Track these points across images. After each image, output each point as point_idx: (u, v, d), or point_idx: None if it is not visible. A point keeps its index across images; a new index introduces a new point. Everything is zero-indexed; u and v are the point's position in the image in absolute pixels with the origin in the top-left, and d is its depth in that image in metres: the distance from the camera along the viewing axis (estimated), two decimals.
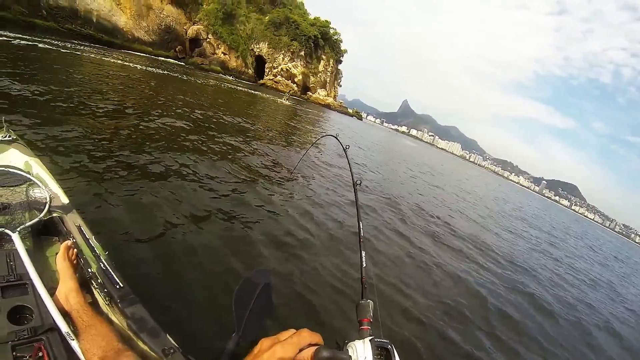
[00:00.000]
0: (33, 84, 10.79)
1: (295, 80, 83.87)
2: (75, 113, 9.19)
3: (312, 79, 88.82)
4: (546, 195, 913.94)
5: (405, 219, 11.10)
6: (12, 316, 1.72)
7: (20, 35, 25.04)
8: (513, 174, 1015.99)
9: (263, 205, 7.68)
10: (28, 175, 2.90)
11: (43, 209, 2.60)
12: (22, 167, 3.05)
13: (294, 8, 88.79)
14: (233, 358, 1.11)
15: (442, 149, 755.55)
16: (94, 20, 44.50)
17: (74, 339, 1.67)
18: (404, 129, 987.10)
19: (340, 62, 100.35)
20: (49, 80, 12.00)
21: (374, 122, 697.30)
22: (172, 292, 3.98)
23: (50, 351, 1.61)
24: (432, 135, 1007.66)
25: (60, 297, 1.96)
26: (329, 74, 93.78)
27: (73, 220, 2.67)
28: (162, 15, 57.42)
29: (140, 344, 1.86)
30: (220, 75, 63.78)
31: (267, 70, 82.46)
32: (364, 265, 1.43)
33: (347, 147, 2.79)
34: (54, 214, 2.66)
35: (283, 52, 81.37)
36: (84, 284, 2.23)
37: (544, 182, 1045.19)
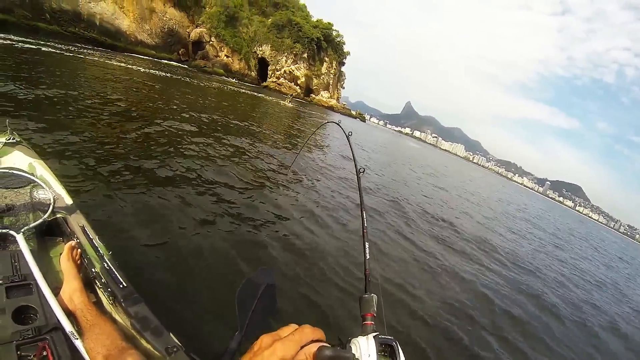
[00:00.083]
0: (38, 87, 10.85)
1: (299, 82, 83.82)
2: (80, 116, 9.23)
3: (315, 81, 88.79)
4: (550, 196, 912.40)
5: (410, 221, 11.10)
6: (17, 316, 1.73)
7: (23, 39, 25.10)
8: (517, 175, 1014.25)
9: (266, 205, 7.72)
10: (32, 177, 2.91)
11: (47, 210, 2.62)
12: (26, 168, 3.07)
13: (297, 10, 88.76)
14: (235, 357, 1.08)
15: (445, 150, 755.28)
16: (97, 24, 44.57)
17: (78, 338, 1.67)
18: (407, 130, 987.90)
19: (343, 64, 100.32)
20: (53, 84, 12.07)
21: (377, 123, 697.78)
22: (175, 291, 3.99)
23: (54, 350, 1.62)
24: (436, 137, 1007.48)
25: (64, 297, 1.98)
26: (332, 76, 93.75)
27: (77, 221, 2.69)
28: (165, 18, 57.47)
29: (144, 342, 1.87)
30: (223, 77, 63.73)
31: (270, 72, 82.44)
32: (367, 257, 1.39)
33: (350, 133, 2.77)
34: (58, 215, 2.68)
35: (286, 54, 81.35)
36: (88, 284, 2.25)
37: (548, 183, 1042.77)
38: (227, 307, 3.67)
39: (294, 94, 62.39)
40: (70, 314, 1.86)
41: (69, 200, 2.90)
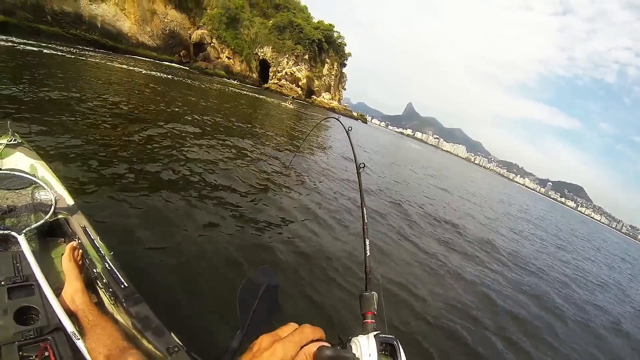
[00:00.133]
0: (40, 89, 10.89)
1: (300, 84, 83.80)
2: (82, 119, 9.25)
3: (316, 82, 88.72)
4: (552, 196, 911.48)
5: (412, 222, 11.11)
6: (19, 317, 1.73)
7: (25, 41, 25.23)
8: (518, 175, 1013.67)
9: (268, 206, 7.73)
10: (33, 178, 2.92)
11: (49, 211, 2.62)
12: (27, 170, 3.08)
13: (298, 12, 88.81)
14: (236, 356, 1.07)
15: (447, 151, 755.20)
16: (99, 26, 44.71)
17: (79, 339, 1.67)
18: (408, 131, 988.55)
19: (345, 65, 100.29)
20: (55, 86, 12.09)
21: (379, 125, 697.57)
22: (177, 291, 4.00)
23: (56, 351, 1.62)
24: (437, 138, 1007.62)
25: (66, 298, 1.98)
26: (333, 78, 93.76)
27: (78, 222, 2.70)
28: (166, 20, 57.60)
29: (145, 342, 1.87)
30: (225, 79, 63.78)
31: (271, 74, 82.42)
32: (368, 254, 1.37)
33: (350, 128, 2.78)
34: (60, 216, 2.69)
35: (287, 56, 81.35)
36: (90, 284, 2.25)
37: (549, 183, 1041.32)
38: (228, 306, 3.66)
39: (295, 98, 62.31)
40: (71, 315, 1.86)
41: (70, 201, 2.91)
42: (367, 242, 1.42)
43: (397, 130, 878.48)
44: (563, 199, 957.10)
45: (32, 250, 2.08)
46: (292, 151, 15.31)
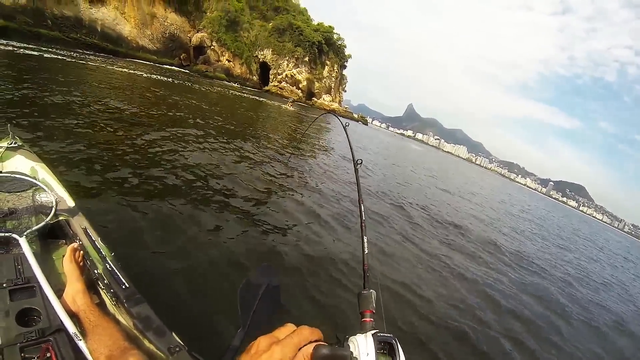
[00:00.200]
0: (41, 93, 10.94)
1: (300, 86, 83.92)
2: (83, 122, 9.25)
3: (316, 84, 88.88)
4: (553, 196, 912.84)
5: (413, 222, 11.12)
6: (21, 318, 1.75)
7: (25, 45, 25.33)
8: (520, 175, 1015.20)
9: (270, 207, 7.76)
10: (34, 180, 2.96)
11: (49, 213, 2.66)
12: (28, 172, 3.12)
13: (297, 14, 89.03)
14: (237, 355, 1.09)
15: (448, 152, 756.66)
16: (99, 30, 44.82)
17: (81, 339, 1.69)
18: (409, 133, 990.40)
19: (345, 67, 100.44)
20: (56, 90, 12.12)
21: (380, 126, 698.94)
22: (179, 291, 4.01)
23: (57, 352, 1.64)
24: (438, 139, 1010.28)
25: (67, 299, 2.02)
26: (333, 80, 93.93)
27: (79, 223, 2.73)
28: (166, 24, 57.76)
29: (147, 342, 1.89)
30: (225, 82, 63.90)
31: (271, 76, 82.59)
32: (366, 251, 1.35)
33: (347, 124, 2.78)
34: (61, 218, 2.73)
35: (287, 58, 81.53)
36: (91, 285, 2.28)
37: (551, 183, 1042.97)
38: (230, 306, 3.66)
39: (295, 100, 62.39)
40: (73, 316, 1.88)
41: (71, 203, 2.94)
42: (365, 240, 1.40)
43: (398, 131, 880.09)
44: (565, 199, 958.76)
45: (33, 252, 2.10)
46: (293, 153, 15.36)
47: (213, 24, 67.14)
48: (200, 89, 33.87)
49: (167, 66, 54.10)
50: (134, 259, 4.18)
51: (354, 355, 0.73)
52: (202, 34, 66.58)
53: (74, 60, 25.16)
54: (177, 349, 1.83)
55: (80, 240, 2.55)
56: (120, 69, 27.84)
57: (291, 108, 47.92)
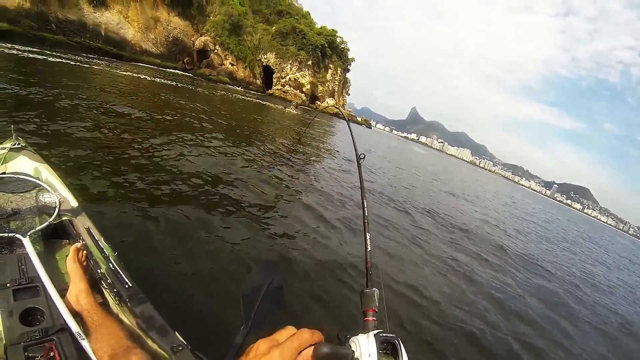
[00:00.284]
0: (47, 97, 11.06)
1: (304, 89, 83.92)
2: (90, 126, 9.30)
3: (320, 88, 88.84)
4: (558, 199, 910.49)
5: (418, 224, 11.16)
6: (24, 318, 1.76)
7: (29, 49, 25.49)
8: (524, 178, 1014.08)
9: (275, 208, 7.86)
10: (37, 181, 2.97)
11: (53, 213, 2.67)
12: (31, 173, 3.14)
13: (301, 18, 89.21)
14: (240, 353, 1.10)
15: (452, 155, 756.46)
16: (103, 34, 44.98)
17: (84, 339, 1.70)
18: (413, 136, 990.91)
19: (348, 70, 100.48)
20: (62, 94, 12.21)
21: (383, 129, 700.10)
22: (181, 290, 4.03)
23: (61, 351, 1.64)
24: (442, 142, 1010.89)
25: (70, 298, 2.02)
26: (337, 83, 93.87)
27: (82, 223, 2.74)
28: (169, 28, 57.94)
29: (150, 342, 1.89)
30: (229, 86, 64.00)
31: (275, 80, 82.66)
32: (369, 248, 1.33)
33: (349, 119, 2.77)
34: (64, 218, 2.73)
35: (290, 61, 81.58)
36: (94, 285, 2.29)
37: (555, 185, 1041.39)
38: (234, 306, 3.66)
39: (298, 104, 62.34)
40: (76, 315, 1.89)
41: (74, 203, 2.95)
42: (368, 236, 1.39)
43: (402, 134, 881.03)
44: (569, 202, 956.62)
45: (36, 252, 2.12)
46: (297, 146, 15.41)
47: (216, 28, 67.33)
48: (204, 92, 34.07)
49: (171, 70, 54.20)
50: (139, 259, 4.18)
51: (355, 356, 0.71)
52: (205, 37, 66.77)
53: (78, 64, 25.32)
54: (180, 348, 1.83)
55: (83, 240, 2.56)
56: (124, 73, 28.01)
57: (294, 111, 48.00)
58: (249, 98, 48.14)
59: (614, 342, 8.00)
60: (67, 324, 1.75)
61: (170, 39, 58.63)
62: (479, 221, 16.54)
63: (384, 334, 0.77)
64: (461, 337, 5.46)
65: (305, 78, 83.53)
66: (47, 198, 2.85)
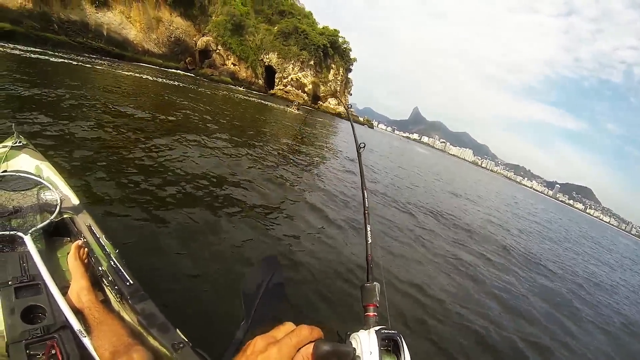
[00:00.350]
0: (49, 97, 11.05)
1: (306, 89, 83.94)
2: (93, 127, 9.28)
3: (322, 88, 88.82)
4: (560, 199, 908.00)
5: (421, 224, 11.18)
6: (26, 316, 1.76)
7: (32, 49, 25.51)
8: (526, 178, 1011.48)
9: (279, 208, 7.84)
10: (39, 179, 2.97)
11: (54, 211, 2.67)
12: (32, 171, 3.13)
13: (303, 18, 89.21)
14: (240, 347, 1.11)
15: (454, 155, 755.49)
16: (105, 34, 45.01)
17: (86, 336, 1.70)
18: (415, 136, 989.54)
19: (350, 70, 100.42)
20: (65, 94, 12.21)
21: (385, 130, 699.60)
22: (182, 288, 4.05)
23: (62, 348, 1.64)
24: (444, 142, 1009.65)
25: (72, 296, 2.01)
26: (339, 83, 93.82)
27: (83, 221, 2.73)
28: (171, 28, 57.96)
29: (151, 339, 1.90)
30: (231, 86, 64.02)
31: (277, 80, 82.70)
32: (370, 241, 1.29)
33: (350, 106, 2.79)
34: (65, 215, 2.72)
35: (293, 62, 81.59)
36: (96, 282, 2.28)
37: (557, 185, 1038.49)
38: (234, 302, 3.68)
39: (300, 103, 62.12)
40: (78, 313, 1.88)
41: (75, 201, 2.94)
42: (369, 229, 1.35)
43: (404, 134, 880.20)
44: (571, 202, 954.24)
45: (38, 250, 2.12)
46: (302, 158, 15.38)
47: (218, 28, 67.34)
48: (206, 92, 34.08)
49: (173, 70, 54.25)
50: (144, 260, 4.19)
51: (356, 353, 0.69)
52: (207, 37, 66.78)
53: (80, 64, 25.34)
54: (181, 345, 1.84)
55: (84, 237, 2.55)
56: (126, 73, 28.03)
57: (296, 111, 47.99)
58: (251, 98, 48.20)
59: (617, 341, 7.99)
60: (68, 322, 1.75)
61: (173, 39, 58.65)
62: (482, 221, 16.52)
63: (385, 330, 0.74)
64: (465, 335, 5.45)
65: (307, 78, 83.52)
66: (48, 196, 2.86)
